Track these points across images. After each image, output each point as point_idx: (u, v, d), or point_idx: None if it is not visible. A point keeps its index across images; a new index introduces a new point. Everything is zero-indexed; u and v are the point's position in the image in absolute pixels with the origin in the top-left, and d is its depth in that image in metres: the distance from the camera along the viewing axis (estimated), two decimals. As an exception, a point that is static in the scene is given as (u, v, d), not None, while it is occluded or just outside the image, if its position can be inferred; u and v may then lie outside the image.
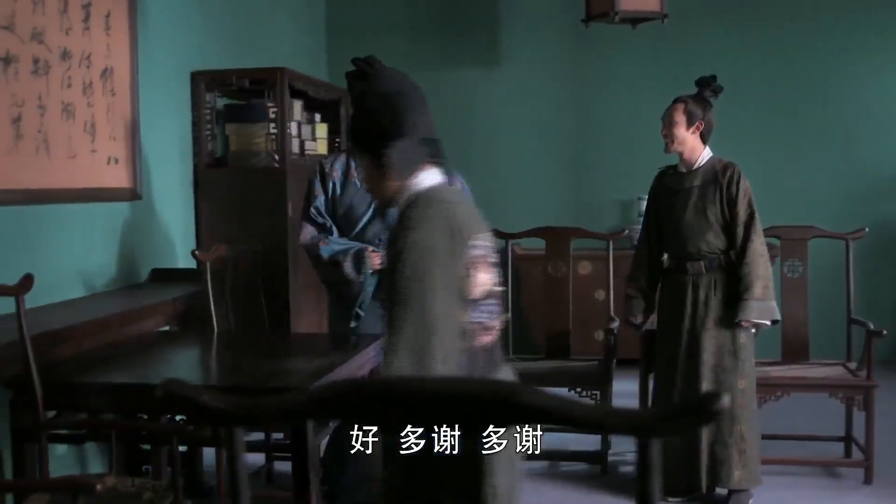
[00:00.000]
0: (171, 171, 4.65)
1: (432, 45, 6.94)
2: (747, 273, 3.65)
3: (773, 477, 4.04)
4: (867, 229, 4.53)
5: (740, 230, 3.70)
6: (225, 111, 5.03)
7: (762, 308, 3.64)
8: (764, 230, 4.45)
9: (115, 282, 4.08)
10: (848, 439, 4.35)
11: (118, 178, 4.08)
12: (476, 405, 1.12)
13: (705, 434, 3.65)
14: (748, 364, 3.74)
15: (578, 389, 4.26)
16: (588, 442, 4.33)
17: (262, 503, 3.83)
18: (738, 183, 3.72)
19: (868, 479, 4.01)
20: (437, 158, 2.17)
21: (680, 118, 3.77)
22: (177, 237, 4.62)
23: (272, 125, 4.83)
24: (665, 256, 3.88)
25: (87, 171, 3.83)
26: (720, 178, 3.74)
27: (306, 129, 5.44)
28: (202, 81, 4.83)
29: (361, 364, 3.11)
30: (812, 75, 6.54)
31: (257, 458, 4.15)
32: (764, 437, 4.28)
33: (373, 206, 3.67)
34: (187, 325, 3.79)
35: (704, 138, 3.83)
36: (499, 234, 4.73)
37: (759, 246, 3.68)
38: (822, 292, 4.89)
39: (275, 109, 4.83)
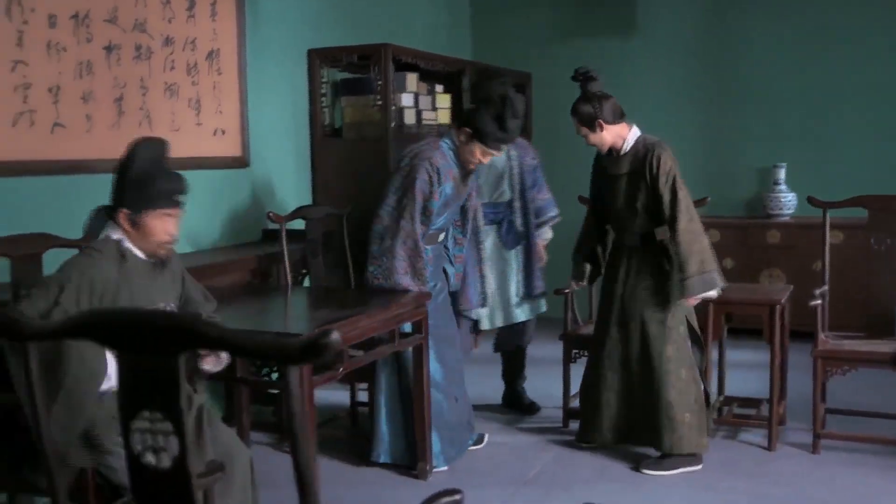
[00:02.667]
0: (286, 140, 5.13)
1: (571, 15, 7.05)
2: (679, 254, 3.69)
3: (834, 453, 3.97)
4: (965, 199, 4.24)
5: (666, 212, 3.73)
6: (341, 84, 5.46)
7: (702, 282, 3.71)
8: (850, 199, 4.30)
9: (223, 240, 4.62)
10: (936, 419, 4.15)
11: (225, 147, 4.61)
12: (167, 332, 1.42)
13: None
14: (676, 331, 3.81)
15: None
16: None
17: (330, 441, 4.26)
18: (658, 167, 3.74)
19: (940, 461, 3.84)
20: None
21: (583, 130, 3.87)
22: (292, 201, 5.09)
23: (378, 97, 5.20)
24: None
25: (192, 142, 4.37)
26: (642, 165, 3.80)
27: (425, 100, 5.77)
28: (317, 58, 5.27)
29: (386, 318, 3.43)
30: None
31: (343, 399, 4.63)
32: (832, 412, 4.21)
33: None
34: (270, 280, 4.25)
35: (619, 120, 3.88)
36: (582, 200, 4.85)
37: (685, 224, 3.70)
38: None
39: (381, 82, 5.19)
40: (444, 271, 4.11)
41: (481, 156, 3.81)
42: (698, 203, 4.59)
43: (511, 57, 7.04)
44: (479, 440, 4.22)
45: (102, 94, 3.86)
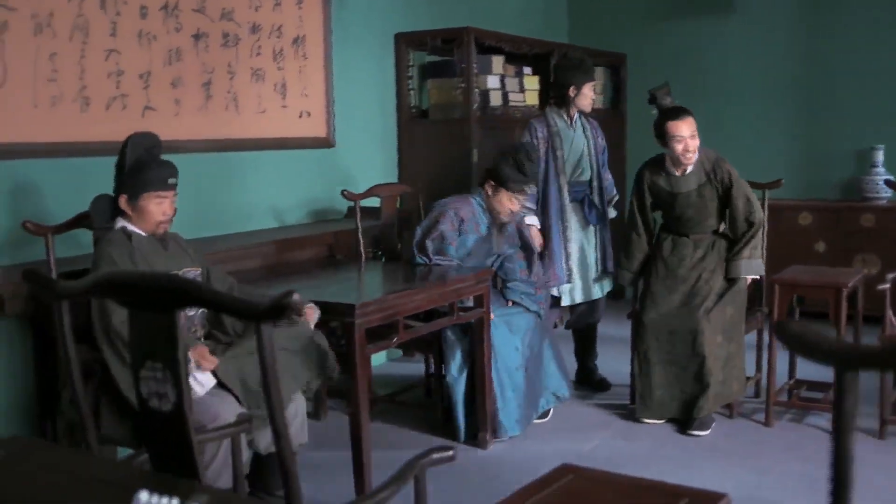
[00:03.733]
0: (372, 122, 5.35)
1: (666, -5, 7.00)
2: (749, 241, 4.15)
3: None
4: None
5: (742, 213, 4.16)
6: (429, 67, 5.63)
7: (749, 266, 4.15)
8: None
9: (307, 216, 4.88)
10: None
11: (310, 129, 4.85)
12: (167, 292, 1.62)
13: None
14: (740, 297, 4.19)
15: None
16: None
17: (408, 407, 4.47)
18: (730, 179, 4.15)
19: None
20: None
21: (695, 130, 4.09)
22: (378, 180, 5.29)
23: (462, 80, 5.34)
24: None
25: (278, 124, 4.63)
26: (713, 179, 4.17)
27: (512, 82, 5.88)
28: (404, 42, 5.46)
29: (443, 292, 3.60)
30: None
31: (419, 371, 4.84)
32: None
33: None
34: (347, 254, 4.47)
35: None
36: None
37: (759, 217, 4.17)
38: None
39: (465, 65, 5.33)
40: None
41: (509, 203, 4.11)
42: (772, 185, 4.59)
43: (606, 38, 7.06)
44: (545, 414, 4.34)
45: (190, 80, 4.15)
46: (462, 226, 4.09)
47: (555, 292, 4.56)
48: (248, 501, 1.63)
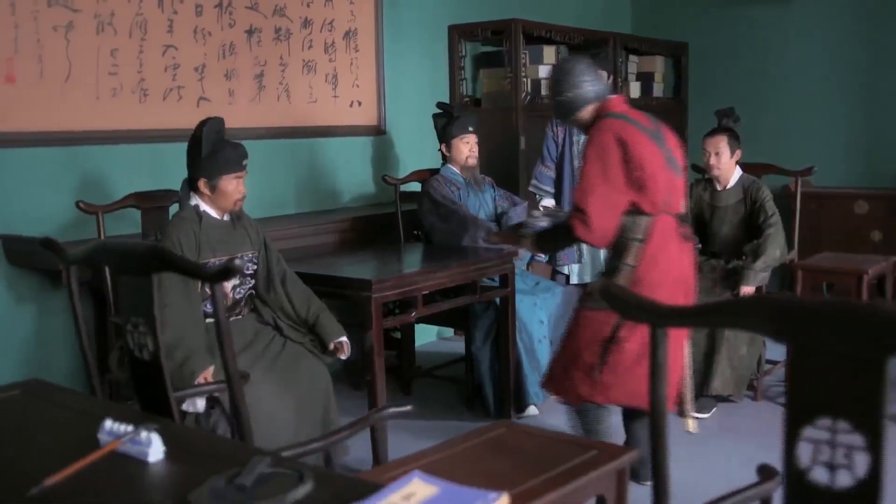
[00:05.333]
0: (424, 110, 5.58)
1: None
2: (760, 253, 4.15)
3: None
4: None
5: (763, 219, 4.26)
6: (481, 57, 5.84)
7: (757, 277, 4.16)
8: None
9: (357, 200, 5.17)
10: None
11: (362, 117, 5.14)
12: (144, 258, 1.91)
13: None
14: None
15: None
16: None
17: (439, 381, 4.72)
18: (763, 197, 4.29)
19: None
20: None
21: (724, 149, 4.31)
22: (428, 166, 5.53)
23: (510, 70, 5.54)
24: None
25: (329, 113, 4.93)
26: (748, 198, 4.36)
27: (565, 71, 6.03)
28: (457, 33, 5.69)
29: (465, 271, 3.84)
30: None
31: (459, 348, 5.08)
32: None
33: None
34: (387, 237, 4.73)
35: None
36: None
37: (775, 231, 4.19)
38: None
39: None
40: None
41: (463, 146, 4.50)
42: (803, 173, 4.65)
43: (668, 27, 7.13)
44: None
45: (243, 72, 4.48)
46: (443, 190, 4.43)
47: (565, 270, 4.76)
48: (188, 430, 1.91)
